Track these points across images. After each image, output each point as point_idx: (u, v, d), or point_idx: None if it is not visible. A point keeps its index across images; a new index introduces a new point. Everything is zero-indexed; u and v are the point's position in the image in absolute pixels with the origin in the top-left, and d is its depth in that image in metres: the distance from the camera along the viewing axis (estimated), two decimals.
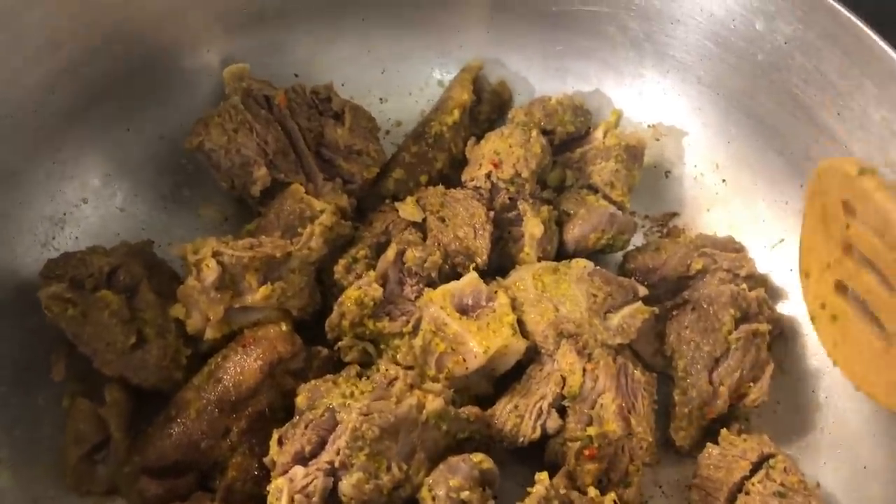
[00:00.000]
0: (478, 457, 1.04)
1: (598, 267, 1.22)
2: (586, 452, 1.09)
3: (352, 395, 1.06)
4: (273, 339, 1.13)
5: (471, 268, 1.22)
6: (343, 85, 1.39)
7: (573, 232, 1.28)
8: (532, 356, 1.18)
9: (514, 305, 1.18)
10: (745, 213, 1.34)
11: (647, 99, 1.40)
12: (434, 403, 1.05)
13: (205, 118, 1.27)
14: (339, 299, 1.16)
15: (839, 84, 1.14)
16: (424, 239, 1.26)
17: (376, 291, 1.15)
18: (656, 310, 1.21)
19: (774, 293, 1.30)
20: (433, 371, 1.13)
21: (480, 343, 1.12)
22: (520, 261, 1.25)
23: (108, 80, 1.23)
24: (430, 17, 1.43)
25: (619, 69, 1.40)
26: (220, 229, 1.34)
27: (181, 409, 1.11)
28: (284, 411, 1.12)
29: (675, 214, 1.39)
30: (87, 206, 1.27)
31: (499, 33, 1.44)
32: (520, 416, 1.13)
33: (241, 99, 1.28)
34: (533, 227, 1.24)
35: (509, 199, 1.26)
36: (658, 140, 1.40)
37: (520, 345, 1.13)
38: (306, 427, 1.04)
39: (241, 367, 1.12)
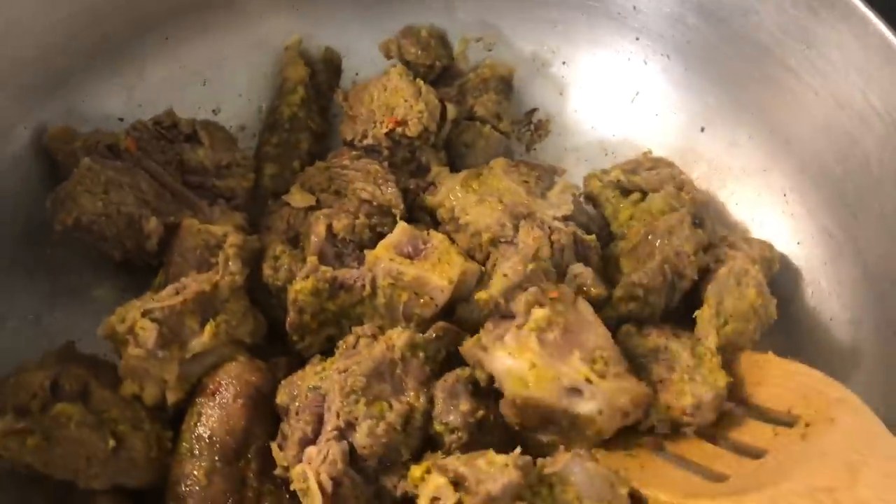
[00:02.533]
0: (465, 371, 1.06)
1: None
2: None
3: (324, 370, 1.05)
4: (238, 373, 1.08)
5: (392, 222, 1.21)
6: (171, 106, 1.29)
7: (474, 162, 1.31)
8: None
9: (457, 212, 1.20)
10: (594, 81, 1.43)
11: (468, 21, 1.43)
12: (401, 338, 1.05)
13: (64, 192, 1.14)
14: (291, 297, 1.11)
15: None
16: None
17: (326, 272, 1.11)
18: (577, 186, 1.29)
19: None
20: (403, 323, 1.11)
21: (441, 277, 1.11)
22: (428, 201, 1.25)
23: None
24: (228, 15, 1.37)
25: (428, 4, 1.42)
26: (123, 302, 1.20)
27: (187, 481, 1.02)
28: None
29: (535, 110, 1.45)
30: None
31: (295, 5, 1.41)
32: None
33: (89, 155, 1.16)
34: (445, 176, 1.26)
35: (409, 153, 1.26)
36: (490, 51, 1.45)
37: (474, 266, 1.15)
38: (297, 414, 1.02)
39: (224, 413, 1.05)
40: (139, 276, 1.22)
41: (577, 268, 1.16)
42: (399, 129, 1.23)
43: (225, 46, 1.39)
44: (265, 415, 1.08)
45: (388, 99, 1.25)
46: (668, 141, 1.37)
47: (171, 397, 1.08)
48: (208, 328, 1.08)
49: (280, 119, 1.33)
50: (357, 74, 1.43)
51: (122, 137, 1.20)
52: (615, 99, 1.42)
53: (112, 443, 1.01)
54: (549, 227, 1.17)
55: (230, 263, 1.12)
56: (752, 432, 1.04)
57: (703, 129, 1.35)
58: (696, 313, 1.11)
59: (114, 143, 1.20)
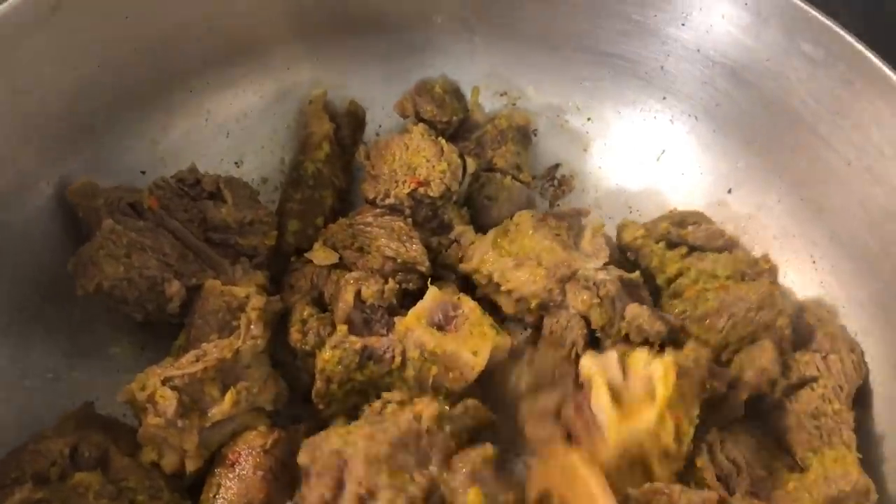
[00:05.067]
0: (488, 450, 1.03)
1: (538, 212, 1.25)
2: None
3: (349, 433, 1.01)
4: (258, 444, 1.06)
5: (417, 279, 1.21)
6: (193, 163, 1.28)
7: (495, 216, 1.30)
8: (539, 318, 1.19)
9: (497, 278, 1.18)
10: (618, 139, 1.42)
11: (486, 72, 1.43)
12: (429, 409, 1.03)
13: (86, 256, 1.13)
14: (319, 367, 1.10)
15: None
16: None
17: (355, 343, 1.10)
18: (603, 222, 1.28)
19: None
20: (431, 394, 1.09)
21: (472, 353, 1.10)
22: (462, 268, 1.24)
23: None
24: (251, 66, 1.37)
25: (448, 52, 1.41)
26: (142, 361, 1.19)
27: None
28: None
29: (558, 166, 1.44)
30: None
31: (319, 57, 1.40)
32: None
33: (111, 217, 1.15)
34: (470, 235, 1.25)
35: (431, 211, 1.25)
36: (514, 104, 1.44)
37: (506, 340, 1.13)
38: (318, 477, 0.99)
39: (243, 486, 1.04)
40: (158, 333, 1.21)
41: (632, 309, 1.14)
42: (421, 190, 1.22)
43: (248, 98, 1.38)
44: (285, 485, 1.06)
45: (410, 158, 1.24)
46: (693, 200, 1.36)
47: (191, 466, 1.06)
48: (229, 396, 1.06)
49: (304, 175, 1.31)
50: (380, 126, 1.43)
51: (145, 195, 1.19)
52: (641, 157, 1.41)
53: None
54: (595, 283, 1.15)
55: (252, 327, 1.10)
56: None
57: (730, 191, 1.34)
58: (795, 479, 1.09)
59: (136, 201, 1.19)
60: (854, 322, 1.19)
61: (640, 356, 1.06)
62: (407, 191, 1.22)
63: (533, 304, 1.17)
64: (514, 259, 1.18)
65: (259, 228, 1.25)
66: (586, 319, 1.15)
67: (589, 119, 1.43)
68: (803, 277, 1.26)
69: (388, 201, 1.24)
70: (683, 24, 1.25)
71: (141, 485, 1.03)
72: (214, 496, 1.03)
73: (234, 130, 1.38)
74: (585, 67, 1.38)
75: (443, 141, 1.26)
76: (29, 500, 0.95)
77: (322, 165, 1.32)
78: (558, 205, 1.42)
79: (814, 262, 1.25)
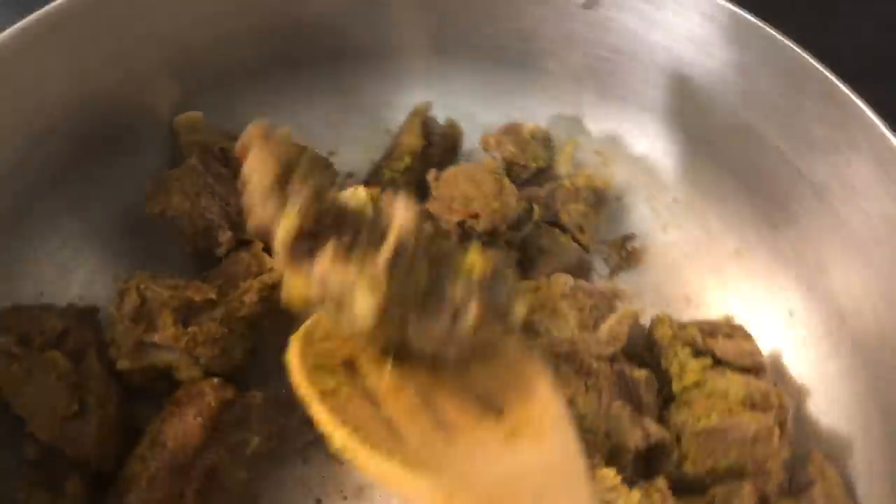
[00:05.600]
0: None
1: (577, 281, 1.23)
2: None
3: None
4: (206, 393, 1.11)
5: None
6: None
7: (542, 269, 1.30)
8: None
9: None
10: (700, 230, 1.38)
11: (592, 128, 1.43)
12: None
13: (163, 182, 1.24)
14: None
15: (780, 105, 1.18)
16: None
17: None
18: (637, 311, 1.23)
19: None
20: None
21: None
22: None
23: (56, 171, 1.20)
24: (372, 67, 1.43)
25: (563, 101, 1.43)
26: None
27: (131, 482, 1.07)
28: (234, 463, 1.11)
29: (631, 237, 1.42)
30: (44, 298, 1.22)
31: (443, 77, 1.45)
32: None
33: (199, 156, 1.25)
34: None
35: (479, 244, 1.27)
36: (608, 167, 1.43)
37: None
38: None
39: (182, 427, 1.09)
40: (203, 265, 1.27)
41: (616, 409, 1.12)
42: (469, 222, 1.24)
43: (358, 95, 1.46)
44: (220, 440, 1.11)
45: (470, 189, 1.26)
46: (751, 309, 1.31)
47: (121, 364, 1.13)
48: (172, 329, 1.12)
49: (379, 179, 1.37)
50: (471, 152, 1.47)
51: (235, 146, 1.28)
52: (716, 252, 1.36)
53: (75, 407, 1.08)
54: (587, 371, 1.14)
55: (247, 294, 1.16)
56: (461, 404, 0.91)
57: (791, 314, 1.27)
58: None
59: (227, 148, 1.27)
60: None
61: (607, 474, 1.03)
62: (457, 219, 1.25)
63: None
64: (529, 317, 1.18)
65: None
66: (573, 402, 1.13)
67: (674, 200, 1.40)
68: None
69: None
70: None
71: (97, 390, 1.11)
72: (157, 432, 1.09)
73: (335, 122, 1.45)
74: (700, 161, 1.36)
75: (506, 181, 1.27)
76: (5, 349, 1.06)
77: (398, 176, 1.37)
78: (618, 276, 1.39)
79: None
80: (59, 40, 1.12)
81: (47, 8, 1.11)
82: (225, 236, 1.23)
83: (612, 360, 1.17)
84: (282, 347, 0.90)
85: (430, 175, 1.31)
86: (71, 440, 1.09)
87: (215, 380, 1.13)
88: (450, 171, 1.30)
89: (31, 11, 1.10)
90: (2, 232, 1.16)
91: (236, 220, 1.25)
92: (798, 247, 1.25)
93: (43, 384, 1.08)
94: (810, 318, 1.24)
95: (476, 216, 1.24)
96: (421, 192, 1.37)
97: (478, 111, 1.47)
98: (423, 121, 1.43)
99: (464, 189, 1.27)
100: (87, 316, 1.19)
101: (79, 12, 1.13)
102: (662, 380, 1.21)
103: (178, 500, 1.08)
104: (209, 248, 1.25)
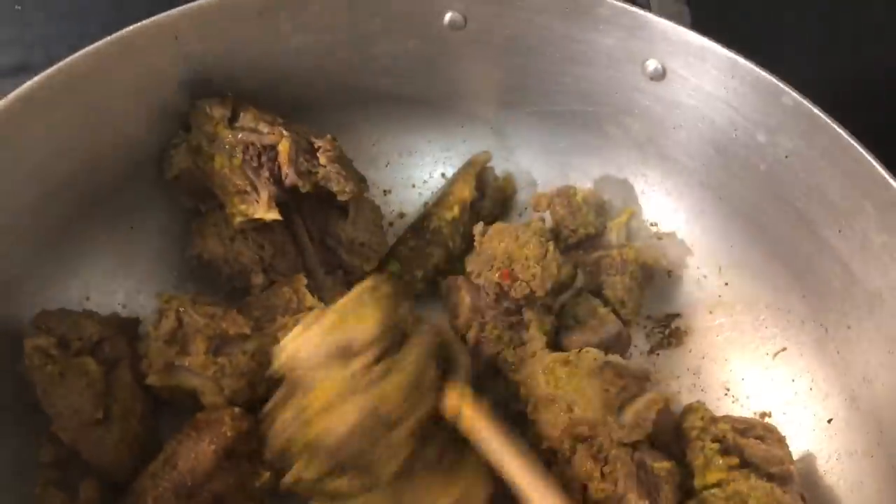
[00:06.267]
0: None
1: (608, 358, 1.19)
2: None
3: None
4: (224, 421, 1.13)
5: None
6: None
7: (577, 339, 1.26)
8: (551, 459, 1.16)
9: (531, 405, 1.17)
10: (748, 318, 1.32)
11: (649, 199, 1.40)
12: None
13: (197, 227, 1.28)
14: None
15: (840, 203, 1.13)
16: None
17: None
18: (669, 397, 1.19)
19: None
20: None
21: None
22: (511, 376, 1.23)
23: (109, 184, 1.24)
24: (436, 113, 1.43)
25: (622, 168, 1.40)
26: None
27: (138, 497, 1.10)
28: (241, 493, 1.12)
29: (677, 315, 1.37)
30: (90, 303, 1.27)
31: (503, 130, 1.44)
32: None
33: None
34: (537, 344, 1.23)
35: (515, 306, 1.25)
36: (661, 240, 1.40)
37: None
38: None
39: (196, 451, 1.12)
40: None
41: (629, 501, 1.08)
42: (506, 283, 1.22)
43: (420, 139, 1.47)
44: (231, 468, 1.12)
45: (514, 249, 1.24)
46: (789, 415, 1.25)
47: (150, 379, 1.16)
48: (203, 358, 1.15)
49: (426, 226, 1.37)
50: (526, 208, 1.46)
51: None
52: (762, 344, 1.30)
53: (100, 414, 1.11)
54: (605, 457, 1.11)
55: (282, 332, 1.17)
56: None
57: (829, 421, 1.20)
58: None
59: None
60: None
61: None
62: (495, 279, 1.24)
63: (544, 445, 1.14)
64: (553, 391, 1.15)
65: (365, 252, 1.32)
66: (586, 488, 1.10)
67: (726, 284, 1.35)
68: None
69: (477, 280, 1.26)
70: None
71: (123, 401, 1.15)
72: (171, 452, 1.12)
73: (394, 163, 1.47)
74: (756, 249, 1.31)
75: (551, 246, 1.24)
76: (44, 350, 1.10)
77: (445, 225, 1.36)
78: (657, 354, 1.35)
79: None
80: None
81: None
82: (257, 279, 1.26)
83: (634, 447, 1.13)
84: None
85: (477, 229, 1.30)
86: (91, 446, 1.13)
87: (236, 409, 1.15)
88: (496, 227, 1.29)
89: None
90: (54, 236, 1.20)
91: (271, 262, 1.28)
92: (845, 353, 1.19)
93: (73, 388, 1.12)
94: (850, 429, 1.18)
95: (515, 279, 1.22)
96: (466, 244, 1.37)
97: (535, 168, 1.46)
98: (479, 172, 1.42)
99: (506, 247, 1.25)
100: (127, 326, 1.24)
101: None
102: (685, 472, 1.16)
103: None
104: (245, 288, 1.28)
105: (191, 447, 1.12)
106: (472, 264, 1.29)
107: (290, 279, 1.26)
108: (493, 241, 1.27)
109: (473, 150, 1.45)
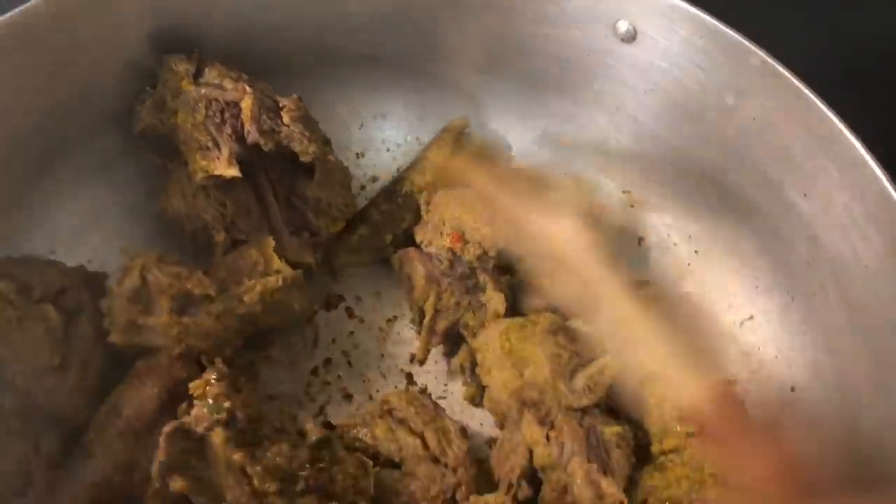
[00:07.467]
0: None
1: (565, 323, 1.19)
2: None
3: None
4: (166, 365, 1.14)
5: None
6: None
7: (536, 303, 1.25)
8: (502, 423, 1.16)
9: (484, 369, 1.17)
10: (716, 287, 1.31)
11: (620, 166, 1.38)
12: None
13: (166, 182, 1.27)
14: None
15: (804, 165, 1.11)
16: None
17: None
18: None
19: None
20: None
21: None
22: (469, 341, 1.23)
23: (76, 137, 1.24)
24: (412, 76, 1.42)
25: (596, 134, 1.38)
26: None
27: (87, 446, 1.10)
28: None
29: (645, 283, 1.35)
30: (56, 257, 1.26)
31: (479, 96, 1.43)
32: (493, 485, 1.11)
33: None
34: (497, 303, 1.21)
35: (470, 268, 1.24)
36: (632, 207, 1.38)
37: None
38: None
39: (139, 396, 1.12)
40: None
41: (574, 465, 1.06)
42: (458, 247, 1.21)
43: (395, 103, 1.46)
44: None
45: (461, 213, 1.23)
46: (759, 380, 1.23)
47: (112, 337, 1.15)
48: (165, 318, 1.13)
49: (398, 190, 1.36)
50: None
51: None
52: (725, 316, 1.29)
53: (56, 362, 1.11)
54: (552, 422, 1.10)
55: (247, 294, 1.17)
56: None
57: (792, 389, 1.18)
58: None
59: None
60: None
61: None
62: (447, 245, 1.23)
63: (497, 410, 1.15)
64: (507, 358, 1.15)
65: (332, 213, 1.30)
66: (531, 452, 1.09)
67: (696, 252, 1.33)
68: None
69: (429, 249, 1.26)
70: None
71: (82, 352, 1.14)
72: (115, 400, 1.12)
73: (369, 125, 1.46)
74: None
75: (499, 206, 1.23)
76: (3, 295, 1.10)
77: (417, 190, 1.35)
78: None
79: None
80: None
81: None
82: (219, 237, 1.25)
83: (584, 412, 1.12)
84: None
85: (422, 198, 1.30)
86: (46, 392, 1.12)
87: (175, 352, 1.14)
88: (440, 194, 1.29)
89: None
90: (21, 186, 1.21)
91: (232, 220, 1.27)
92: (811, 321, 1.17)
93: (30, 333, 1.11)
94: (812, 398, 1.16)
95: (465, 242, 1.22)
96: None
97: (511, 135, 1.44)
98: (455, 137, 1.41)
99: (454, 212, 1.25)
100: (93, 280, 1.23)
101: None
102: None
103: (134, 467, 1.09)
104: (207, 246, 1.27)
105: (133, 395, 1.12)
106: (420, 234, 1.28)
107: (258, 242, 1.25)
108: (440, 208, 1.27)
109: (449, 115, 1.44)
